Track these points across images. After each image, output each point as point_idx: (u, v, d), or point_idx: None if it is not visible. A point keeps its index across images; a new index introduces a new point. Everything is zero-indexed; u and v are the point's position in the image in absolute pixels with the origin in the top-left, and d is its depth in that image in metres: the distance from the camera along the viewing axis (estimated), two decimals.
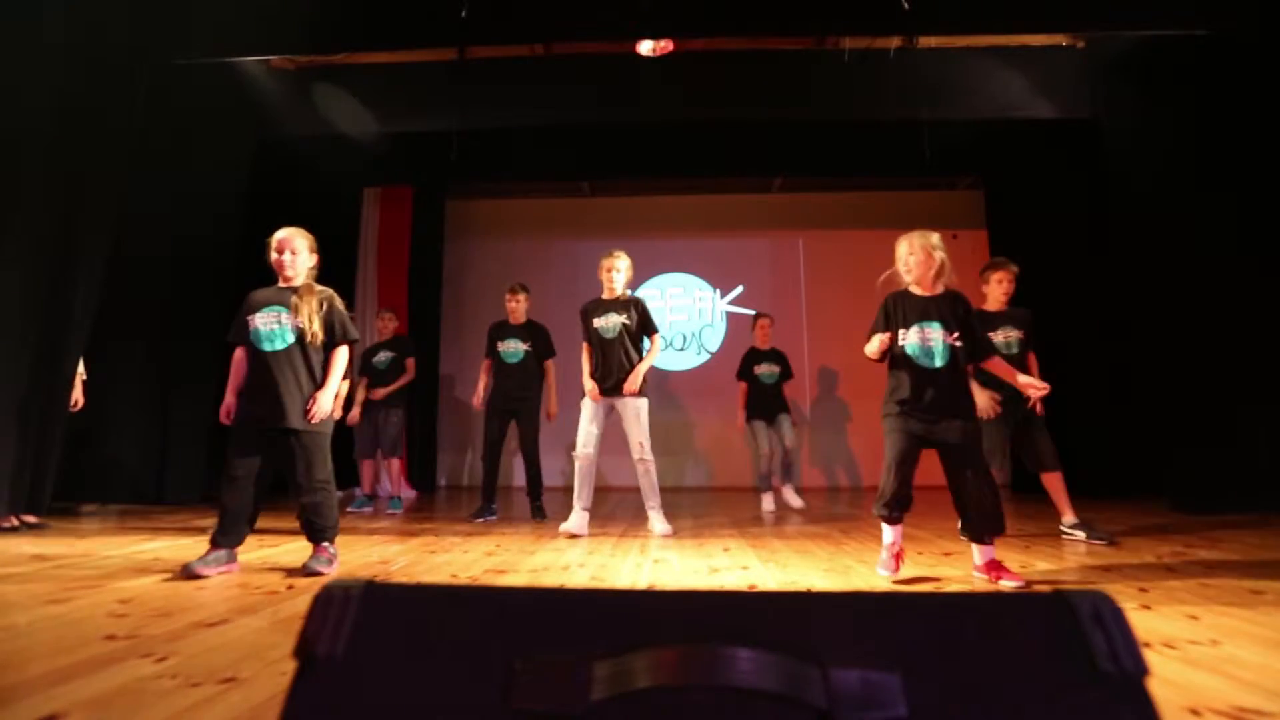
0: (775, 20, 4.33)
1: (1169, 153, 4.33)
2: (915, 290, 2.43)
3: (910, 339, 2.37)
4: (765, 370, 4.88)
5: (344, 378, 2.72)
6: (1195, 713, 1.15)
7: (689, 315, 7.20)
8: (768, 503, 4.62)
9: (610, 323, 3.61)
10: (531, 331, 4.30)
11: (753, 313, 6.99)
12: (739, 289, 7.19)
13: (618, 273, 3.64)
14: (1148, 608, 1.87)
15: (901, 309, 2.42)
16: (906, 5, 3.92)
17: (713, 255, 7.24)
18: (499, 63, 5.18)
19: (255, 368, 2.53)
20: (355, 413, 4.61)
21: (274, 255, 2.61)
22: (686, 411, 6.90)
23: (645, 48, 4.66)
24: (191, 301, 4.84)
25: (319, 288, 2.65)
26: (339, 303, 2.66)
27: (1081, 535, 3.11)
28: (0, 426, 3.56)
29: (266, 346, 2.52)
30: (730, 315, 7.19)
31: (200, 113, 4.85)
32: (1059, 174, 5.79)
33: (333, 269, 6.79)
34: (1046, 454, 3.21)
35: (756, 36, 4.94)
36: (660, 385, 6.74)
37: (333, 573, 2.44)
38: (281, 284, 2.62)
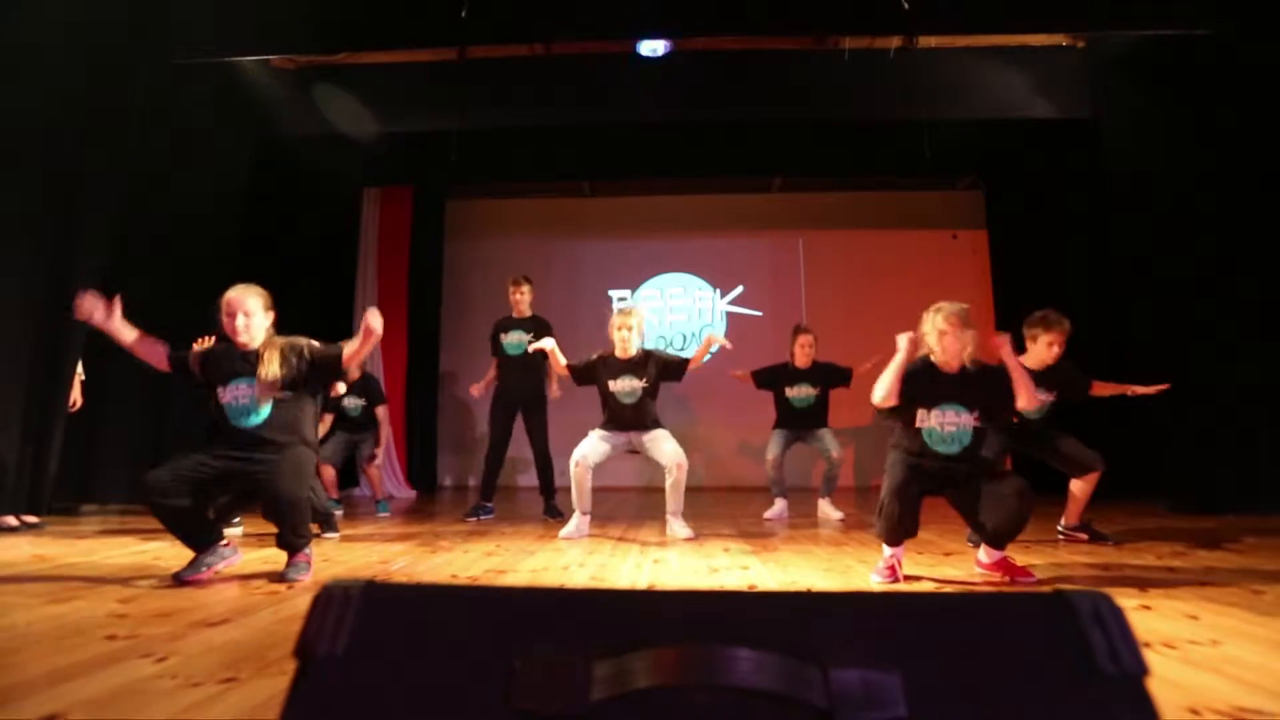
0: (775, 20, 4.33)
1: (1169, 153, 4.33)
2: (940, 366, 2.28)
3: (930, 422, 2.22)
4: (799, 394, 4.11)
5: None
6: (1195, 713, 1.15)
7: (689, 315, 7.20)
8: (773, 509, 4.13)
9: (628, 387, 3.44)
10: (536, 324, 4.21)
11: (758, 312, 7.02)
12: (739, 289, 7.20)
13: (629, 331, 3.44)
14: (1148, 608, 1.87)
15: (924, 387, 2.24)
16: (906, 5, 3.92)
17: (713, 255, 7.24)
18: (499, 63, 5.19)
19: (231, 439, 2.32)
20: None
21: (225, 319, 2.34)
22: (686, 412, 6.90)
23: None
24: (191, 302, 4.83)
25: (281, 340, 2.39)
26: (308, 350, 2.39)
27: (1082, 536, 3.11)
28: (0, 426, 3.56)
29: (242, 423, 2.31)
30: (730, 315, 7.19)
31: (200, 113, 4.85)
32: (1059, 174, 5.79)
33: (333, 270, 6.78)
34: (1087, 458, 3.02)
35: (756, 36, 4.94)
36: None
37: (309, 578, 2.33)
38: (238, 348, 2.36)
